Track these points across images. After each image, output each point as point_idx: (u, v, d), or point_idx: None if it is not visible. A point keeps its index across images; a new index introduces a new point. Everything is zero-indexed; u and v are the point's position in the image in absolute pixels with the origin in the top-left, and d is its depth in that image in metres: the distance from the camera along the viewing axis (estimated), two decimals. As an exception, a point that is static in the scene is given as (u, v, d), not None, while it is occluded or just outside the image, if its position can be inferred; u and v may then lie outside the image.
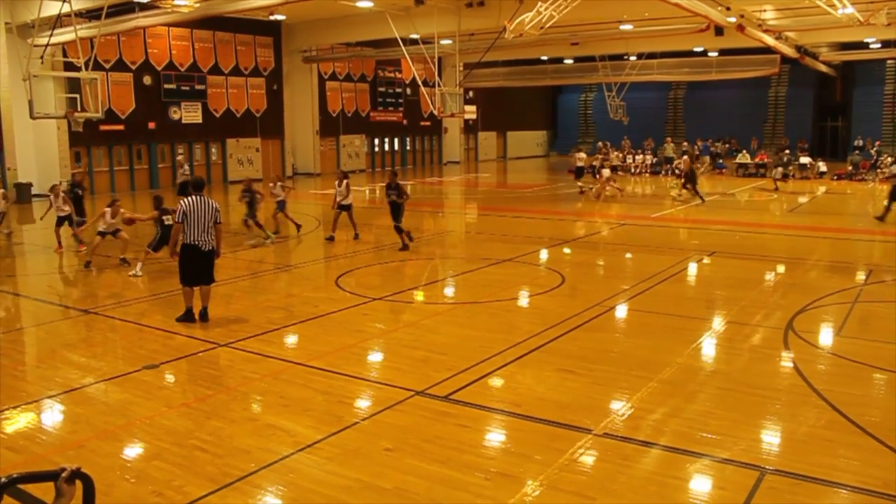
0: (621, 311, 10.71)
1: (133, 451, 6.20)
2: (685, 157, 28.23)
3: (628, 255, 16.00)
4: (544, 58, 44.46)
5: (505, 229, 19.92)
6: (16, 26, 26.24)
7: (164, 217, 13.75)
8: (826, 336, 9.52)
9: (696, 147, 39.30)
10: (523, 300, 11.73)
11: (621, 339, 9.41)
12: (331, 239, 17.39)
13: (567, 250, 16.35)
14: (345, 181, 17.33)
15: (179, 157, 30.16)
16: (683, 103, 50.90)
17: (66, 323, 10.83)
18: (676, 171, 30.33)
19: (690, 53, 40.60)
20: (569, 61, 44.90)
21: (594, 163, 29.65)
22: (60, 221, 16.87)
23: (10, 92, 26.85)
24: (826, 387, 7.32)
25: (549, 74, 46.57)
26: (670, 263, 14.34)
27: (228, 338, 9.29)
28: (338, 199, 17.34)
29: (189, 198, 9.91)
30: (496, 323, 9.96)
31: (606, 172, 26.84)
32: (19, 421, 6.92)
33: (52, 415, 7.15)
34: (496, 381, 7.66)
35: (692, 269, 14.03)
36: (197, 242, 9.77)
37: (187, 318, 10.01)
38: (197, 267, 9.90)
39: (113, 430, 6.55)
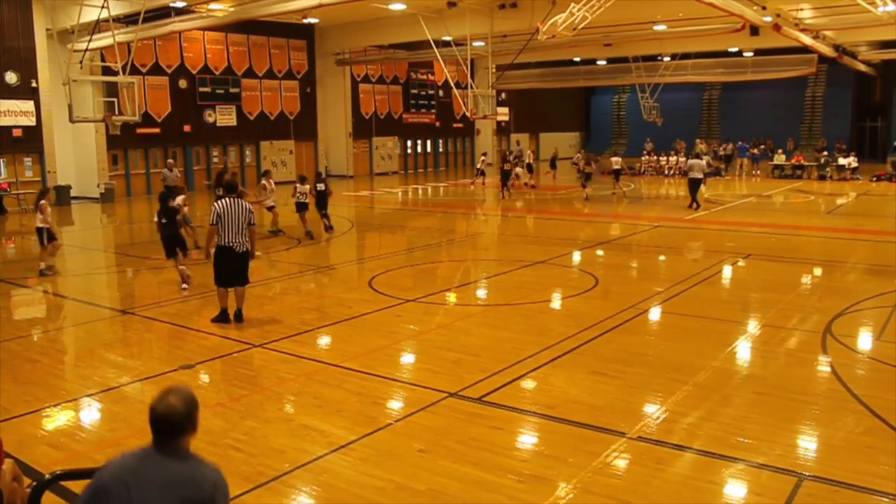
0: (655, 314, 10.63)
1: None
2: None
3: (662, 258, 15.89)
4: (577, 59, 44.24)
5: (537, 231, 19.89)
6: (56, 32, 26.76)
7: (162, 217, 12.91)
8: (865, 340, 9.37)
9: (725, 148, 39.00)
10: (556, 302, 11.70)
11: (655, 342, 9.34)
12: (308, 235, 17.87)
13: (600, 252, 16.26)
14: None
15: (170, 161, 29.27)
16: (718, 104, 50.35)
17: (103, 323, 10.98)
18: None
19: (725, 53, 40.15)
20: (602, 62, 44.63)
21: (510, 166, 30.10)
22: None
23: (50, 96, 27.33)
24: (865, 392, 7.20)
25: (582, 76, 46.33)
26: (704, 266, 14.22)
27: (263, 338, 9.38)
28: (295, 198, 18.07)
29: (222, 200, 10.05)
30: (529, 325, 9.94)
31: (520, 170, 29.44)
32: (60, 418, 7.04)
33: (91, 413, 7.26)
34: (529, 384, 7.64)
35: (727, 271, 13.89)
36: (231, 244, 9.87)
37: (222, 318, 10.11)
38: (231, 268, 9.99)
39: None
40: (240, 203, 9.99)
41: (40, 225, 14.33)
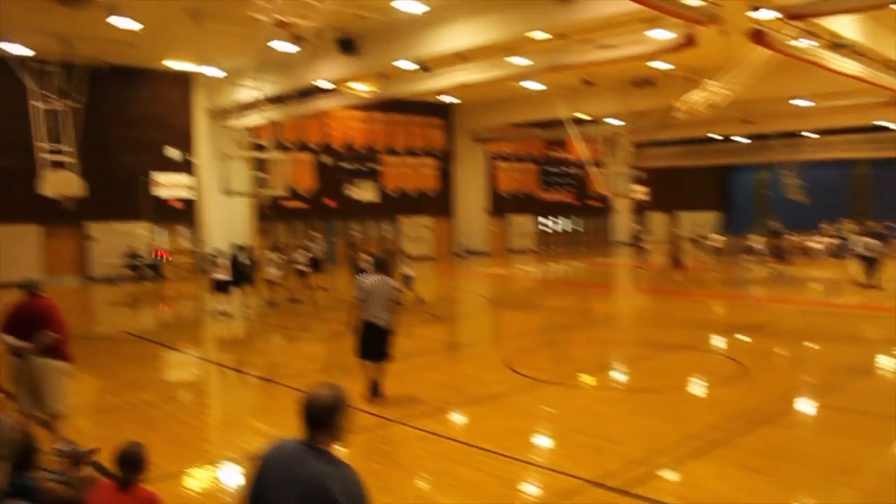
0: (807, 406, 10.07)
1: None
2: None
3: (811, 345, 15.08)
4: (715, 136, 43.46)
5: (677, 313, 19.36)
6: (214, 111, 28.77)
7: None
8: None
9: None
10: (699, 389, 11.28)
11: (809, 437, 8.81)
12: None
13: (744, 337, 15.62)
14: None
15: (313, 234, 30.27)
16: (867, 181, 47.96)
17: (248, 390, 11.45)
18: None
19: (873, 128, 38.42)
20: (741, 139, 43.63)
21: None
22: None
23: (206, 171, 29.26)
24: None
25: (722, 153, 45.37)
26: (858, 355, 13.40)
27: (400, 414, 9.47)
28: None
29: (370, 276, 10.32)
30: (671, 412, 9.60)
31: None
32: (206, 481, 7.36)
33: (236, 478, 7.52)
34: (673, 475, 7.35)
35: (883, 361, 13.02)
36: (375, 319, 10.02)
37: (369, 391, 10.22)
38: (374, 343, 10.12)
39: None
40: (385, 280, 10.19)
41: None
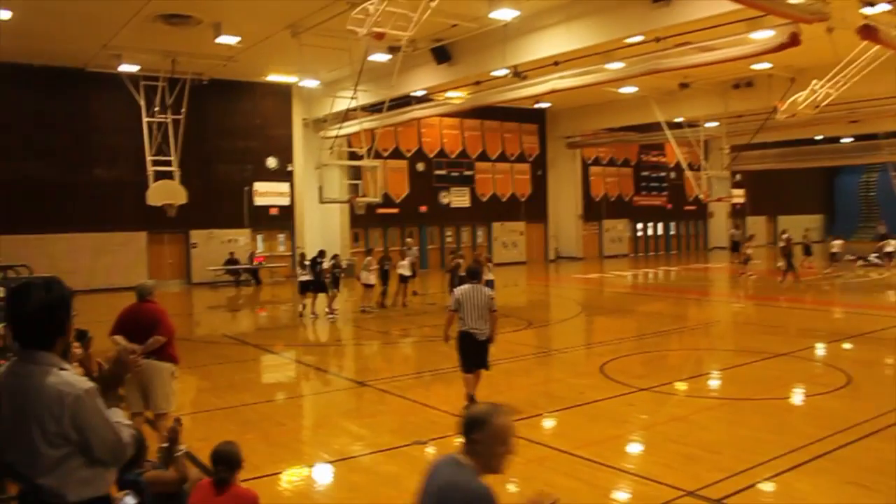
0: (919, 420, 9.59)
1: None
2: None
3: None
4: (819, 137, 41.85)
5: (777, 320, 18.76)
6: (311, 121, 29.51)
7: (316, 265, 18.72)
8: None
9: None
10: (801, 399, 10.90)
11: (922, 452, 8.39)
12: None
13: (849, 346, 15.01)
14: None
15: (409, 240, 30.04)
16: None
17: (341, 393, 11.70)
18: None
19: None
20: (847, 140, 41.86)
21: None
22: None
23: (302, 179, 30.05)
24: None
25: (826, 155, 43.55)
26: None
27: (493, 420, 9.48)
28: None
29: (463, 286, 10.11)
30: (772, 423, 9.30)
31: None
32: (301, 481, 7.54)
33: (331, 479, 7.69)
34: (773, 488, 7.11)
35: None
36: (472, 330, 9.82)
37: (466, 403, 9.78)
38: (474, 353, 9.91)
39: (385, 500, 6.88)
40: (480, 289, 9.96)
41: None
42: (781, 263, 25.74)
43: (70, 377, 3.10)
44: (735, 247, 34.69)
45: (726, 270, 33.23)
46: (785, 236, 26.38)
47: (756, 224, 48.46)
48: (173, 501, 5.08)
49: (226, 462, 4.89)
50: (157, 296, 8.50)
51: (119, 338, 8.03)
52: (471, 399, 9.91)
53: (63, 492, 3.07)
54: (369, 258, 20.90)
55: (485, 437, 3.33)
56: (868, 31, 15.66)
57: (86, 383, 3.12)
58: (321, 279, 19.47)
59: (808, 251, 30.56)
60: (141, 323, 8.07)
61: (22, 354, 3.18)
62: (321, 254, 20.23)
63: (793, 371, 12.57)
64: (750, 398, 10.62)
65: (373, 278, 20.53)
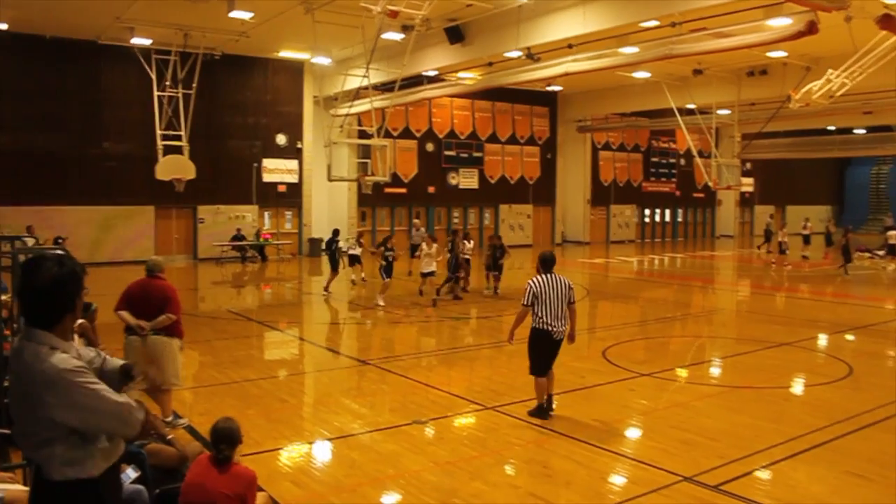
0: (921, 412, 9.59)
1: (398, 501, 6.51)
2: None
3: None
4: (831, 127, 41.58)
5: (781, 310, 18.74)
6: (322, 99, 29.44)
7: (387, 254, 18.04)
8: None
9: None
10: (802, 389, 10.92)
11: (921, 445, 8.41)
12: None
13: (852, 337, 15.00)
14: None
15: (416, 220, 29.52)
16: None
17: (343, 371, 11.76)
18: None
19: None
20: (860, 131, 41.59)
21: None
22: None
23: (311, 156, 30.04)
24: None
25: (837, 145, 43.28)
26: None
27: (494, 401, 9.54)
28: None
29: (539, 276, 8.79)
30: (771, 412, 9.33)
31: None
32: (300, 457, 7.59)
33: (330, 456, 7.74)
34: (770, 476, 7.14)
35: None
36: (550, 328, 8.70)
37: (540, 413, 8.84)
38: (551, 355, 8.92)
39: (383, 478, 6.93)
40: (559, 279, 8.74)
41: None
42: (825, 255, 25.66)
43: (56, 358, 3.07)
44: (768, 236, 34.68)
45: (732, 258, 33.18)
46: (841, 229, 26.42)
47: (763, 213, 48.40)
48: (173, 475, 5.14)
49: (227, 440, 4.92)
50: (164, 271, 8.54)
51: (125, 314, 8.08)
52: (549, 399, 9.01)
53: (48, 469, 3.13)
54: (427, 242, 18.67)
55: None
56: (888, 21, 15.49)
57: (67, 362, 3.07)
58: (336, 257, 19.64)
59: (826, 240, 30.49)
60: (150, 299, 8.12)
61: (25, 332, 3.21)
62: (335, 233, 20.49)
63: (793, 360, 12.58)
64: (751, 386, 10.65)
65: (434, 265, 18.45)
